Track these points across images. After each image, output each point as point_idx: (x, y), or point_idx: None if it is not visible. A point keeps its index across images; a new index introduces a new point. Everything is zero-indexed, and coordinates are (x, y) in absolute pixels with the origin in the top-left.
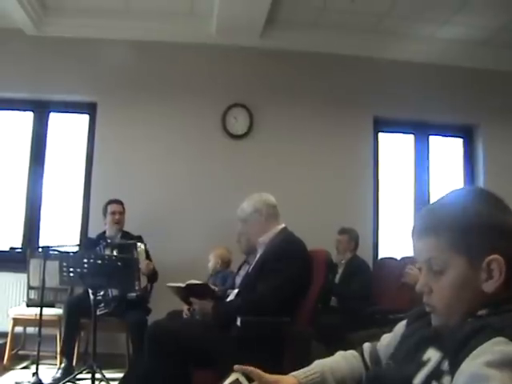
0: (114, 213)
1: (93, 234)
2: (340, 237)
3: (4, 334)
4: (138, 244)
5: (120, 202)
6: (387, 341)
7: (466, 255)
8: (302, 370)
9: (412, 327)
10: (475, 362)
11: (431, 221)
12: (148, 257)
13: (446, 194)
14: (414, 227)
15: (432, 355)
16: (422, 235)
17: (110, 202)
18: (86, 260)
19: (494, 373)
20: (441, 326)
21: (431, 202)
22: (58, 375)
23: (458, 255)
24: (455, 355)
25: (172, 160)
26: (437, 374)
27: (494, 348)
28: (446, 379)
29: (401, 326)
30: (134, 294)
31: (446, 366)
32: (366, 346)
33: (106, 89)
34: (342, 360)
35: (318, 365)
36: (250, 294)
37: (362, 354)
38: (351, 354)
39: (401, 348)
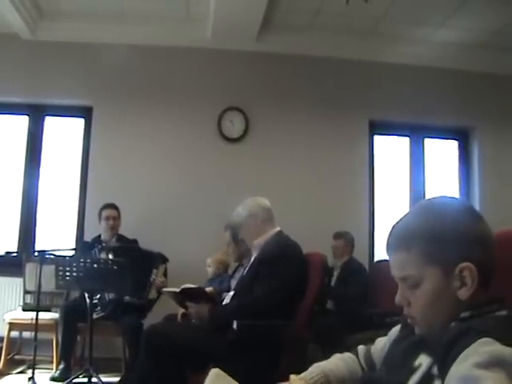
0: (108, 218)
1: (89, 237)
2: (336, 242)
3: (0, 339)
4: (162, 264)
5: (115, 207)
6: (381, 344)
7: (439, 264)
8: (306, 373)
9: (404, 332)
10: (464, 364)
11: (400, 235)
12: (165, 276)
13: (414, 207)
14: (386, 243)
15: (423, 360)
16: (394, 250)
17: (105, 206)
18: (81, 264)
19: (483, 373)
20: (424, 334)
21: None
22: (56, 375)
23: (430, 265)
24: (443, 359)
25: (168, 163)
26: (427, 378)
27: (480, 349)
28: (436, 383)
29: (395, 331)
30: (133, 299)
31: (435, 370)
32: (361, 348)
33: (101, 93)
34: (341, 362)
35: (320, 368)
36: (246, 296)
37: (357, 357)
38: (348, 356)
39: (393, 352)
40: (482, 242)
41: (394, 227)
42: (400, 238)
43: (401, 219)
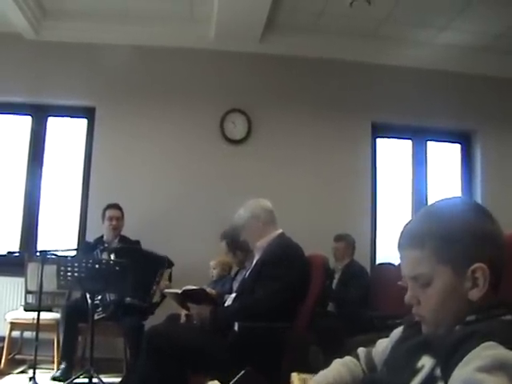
0: (111, 218)
1: (91, 237)
2: (337, 244)
3: (1, 339)
4: (167, 269)
5: (118, 207)
6: (383, 346)
7: (451, 264)
8: None
9: (407, 333)
10: (467, 368)
11: (413, 234)
12: (170, 280)
13: (429, 205)
14: (398, 242)
15: (426, 362)
16: (406, 249)
17: (109, 206)
18: (83, 264)
19: (486, 377)
20: (431, 334)
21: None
22: (57, 374)
23: (442, 265)
24: (446, 361)
25: (170, 164)
26: (430, 380)
27: (483, 353)
28: None
29: (396, 333)
30: (134, 301)
31: (438, 372)
32: (361, 351)
33: (104, 93)
34: (344, 369)
35: (324, 377)
36: (248, 298)
37: (358, 360)
38: (350, 360)
39: (395, 354)
40: (494, 243)
41: (405, 227)
42: (413, 236)
43: (413, 219)
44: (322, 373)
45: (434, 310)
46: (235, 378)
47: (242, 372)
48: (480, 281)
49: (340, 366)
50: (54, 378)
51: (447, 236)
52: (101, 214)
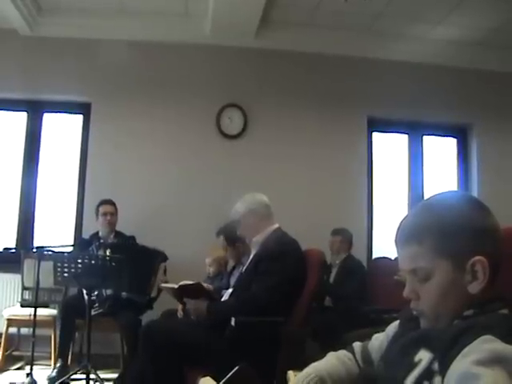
0: (105, 214)
1: (87, 233)
2: (333, 238)
3: None
4: (162, 262)
5: (112, 203)
6: (380, 340)
7: (450, 258)
8: (300, 376)
9: (404, 328)
10: (464, 361)
11: (411, 229)
12: (165, 273)
13: (426, 200)
14: (395, 237)
15: (423, 356)
16: (404, 244)
17: (102, 202)
18: (79, 260)
19: (484, 371)
20: (429, 328)
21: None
22: (53, 374)
23: (441, 259)
24: (444, 355)
25: (166, 160)
26: (428, 374)
27: (481, 346)
28: (437, 379)
29: (393, 327)
30: (131, 295)
31: (436, 366)
32: (357, 345)
33: (100, 89)
34: (337, 362)
35: (315, 369)
36: (244, 293)
37: (353, 354)
38: (344, 354)
39: (392, 349)
40: (492, 235)
41: (403, 222)
42: (411, 231)
43: (410, 214)
44: (313, 365)
45: (434, 304)
46: (229, 375)
47: (236, 368)
48: (480, 274)
49: (334, 359)
50: (49, 379)
51: (446, 230)
52: (95, 210)
